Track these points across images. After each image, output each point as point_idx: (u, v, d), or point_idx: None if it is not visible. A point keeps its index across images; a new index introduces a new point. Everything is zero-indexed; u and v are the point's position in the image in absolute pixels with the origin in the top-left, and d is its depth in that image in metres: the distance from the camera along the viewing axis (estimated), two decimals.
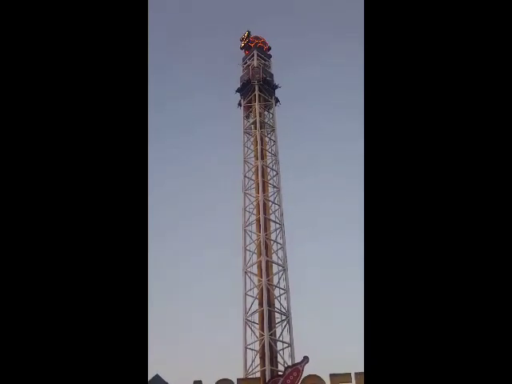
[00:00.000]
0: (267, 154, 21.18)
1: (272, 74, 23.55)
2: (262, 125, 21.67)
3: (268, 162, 20.99)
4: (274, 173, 20.73)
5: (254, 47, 23.90)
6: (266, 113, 22.49)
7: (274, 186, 20.41)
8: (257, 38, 24.59)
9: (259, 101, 21.89)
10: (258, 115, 21.52)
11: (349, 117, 32.38)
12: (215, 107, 37.18)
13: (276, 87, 23.04)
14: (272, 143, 21.60)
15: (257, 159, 20.54)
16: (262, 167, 20.32)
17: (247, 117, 22.38)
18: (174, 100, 41.81)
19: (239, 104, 22.81)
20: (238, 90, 23.01)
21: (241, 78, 23.47)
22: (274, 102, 22.63)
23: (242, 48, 24.62)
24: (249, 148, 21.45)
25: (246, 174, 20.65)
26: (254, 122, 21.63)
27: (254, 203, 19.79)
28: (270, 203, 19.87)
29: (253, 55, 23.59)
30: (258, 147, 20.69)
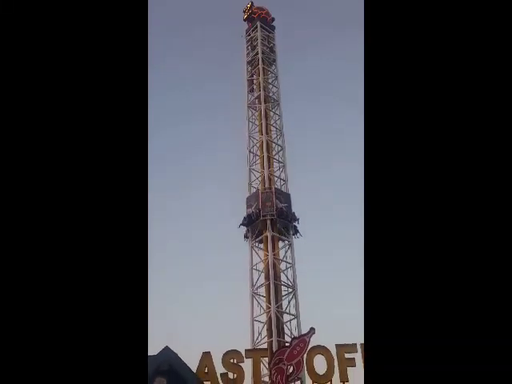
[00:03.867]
0: (272, 128, 21.07)
1: (289, 206, 17.84)
2: (267, 99, 21.47)
3: (273, 136, 20.91)
4: (279, 148, 20.69)
5: (258, 18, 23.40)
6: (270, 87, 22.25)
7: (279, 161, 20.40)
8: (260, 8, 24.02)
9: None
10: (262, 89, 21.31)
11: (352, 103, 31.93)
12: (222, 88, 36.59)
13: (295, 220, 18.05)
14: (277, 117, 21.45)
15: (261, 134, 20.46)
16: (267, 142, 20.26)
17: (251, 91, 22.15)
18: (176, 82, 40.91)
19: (245, 236, 18.32)
20: (243, 224, 18.31)
21: (247, 202, 18.51)
22: (292, 236, 18.05)
23: (244, 20, 24.13)
24: (253, 123, 21.34)
25: (251, 150, 20.62)
26: (259, 97, 21.43)
27: (260, 178, 19.85)
28: (276, 178, 19.91)
29: (256, 27, 23.15)
30: (263, 122, 20.57)
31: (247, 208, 18.47)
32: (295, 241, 18.77)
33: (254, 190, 19.07)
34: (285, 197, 18.57)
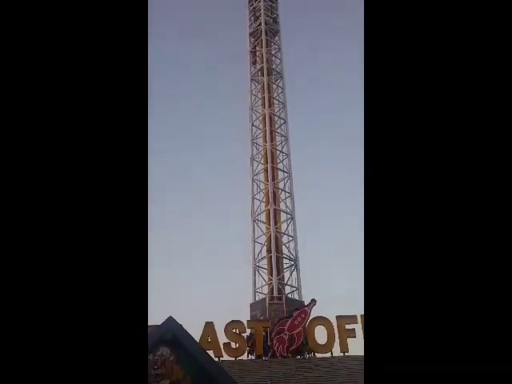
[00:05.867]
0: (275, 101, 20.82)
1: None
2: (270, 71, 21.14)
3: (275, 110, 20.69)
4: (282, 121, 20.50)
5: None
6: (273, 59, 21.87)
7: (282, 135, 20.26)
8: None
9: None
10: (265, 61, 20.96)
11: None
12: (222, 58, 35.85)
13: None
14: (280, 90, 21.17)
15: (264, 107, 20.25)
16: (270, 115, 20.07)
17: (254, 63, 21.80)
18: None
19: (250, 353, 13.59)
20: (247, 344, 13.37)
21: (251, 315, 15.46)
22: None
23: None
24: (256, 96, 21.09)
25: (254, 123, 20.46)
26: (261, 69, 21.10)
27: (262, 152, 19.77)
28: (278, 152, 19.83)
29: None
30: (265, 95, 20.31)
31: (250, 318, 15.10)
32: (297, 214, 18.89)
33: (260, 297, 16.47)
34: (297, 306, 15.09)
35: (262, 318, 15.06)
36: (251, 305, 16.60)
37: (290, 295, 17.65)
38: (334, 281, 28.75)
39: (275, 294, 17.01)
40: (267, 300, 15.73)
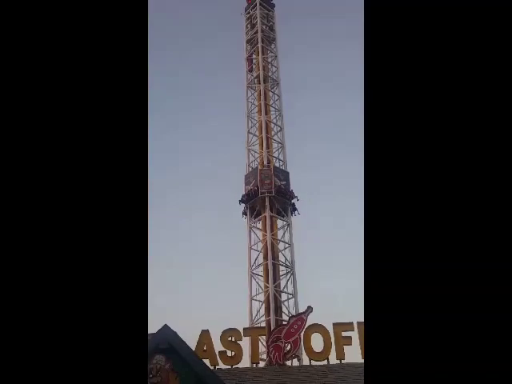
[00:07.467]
0: (271, 109, 20.90)
1: (288, 184, 18.25)
2: (266, 79, 21.25)
3: (272, 117, 20.75)
4: (278, 128, 20.56)
5: None
6: (269, 66, 22.00)
7: (278, 142, 20.31)
8: None
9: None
10: (261, 69, 21.07)
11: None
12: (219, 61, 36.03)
13: (293, 198, 18.16)
14: (276, 98, 21.26)
15: (260, 114, 20.32)
16: (266, 123, 20.13)
17: (250, 70, 21.91)
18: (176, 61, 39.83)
19: (244, 213, 18.56)
20: (242, 201, 18.46)
21: (245, 179, 18.70)
22: (289, 212, 18.24)
23: None
24: (252, 103, 21.16)
25: (250, 130, 20.50)
26: (258, 76, 21.20)
27: (258, 159, 19.79)
28: (274, 159, 19.85)
29: (255, 4, 22.73)
30: (262, 102, 20.39)
31: (245, 185, 18.59)
32: (293, 219, 18.87)
33: (252, 168, 19.24)
34: (284, 175, 18.69)
35: (253, 181, 18.35)
36: (245, 176, 18.89)
37: (286, 302, 17.59)
38: (331, 286, 28.71)
39: (271, 301, 16.93)
40: (259, 168, 18.70)
